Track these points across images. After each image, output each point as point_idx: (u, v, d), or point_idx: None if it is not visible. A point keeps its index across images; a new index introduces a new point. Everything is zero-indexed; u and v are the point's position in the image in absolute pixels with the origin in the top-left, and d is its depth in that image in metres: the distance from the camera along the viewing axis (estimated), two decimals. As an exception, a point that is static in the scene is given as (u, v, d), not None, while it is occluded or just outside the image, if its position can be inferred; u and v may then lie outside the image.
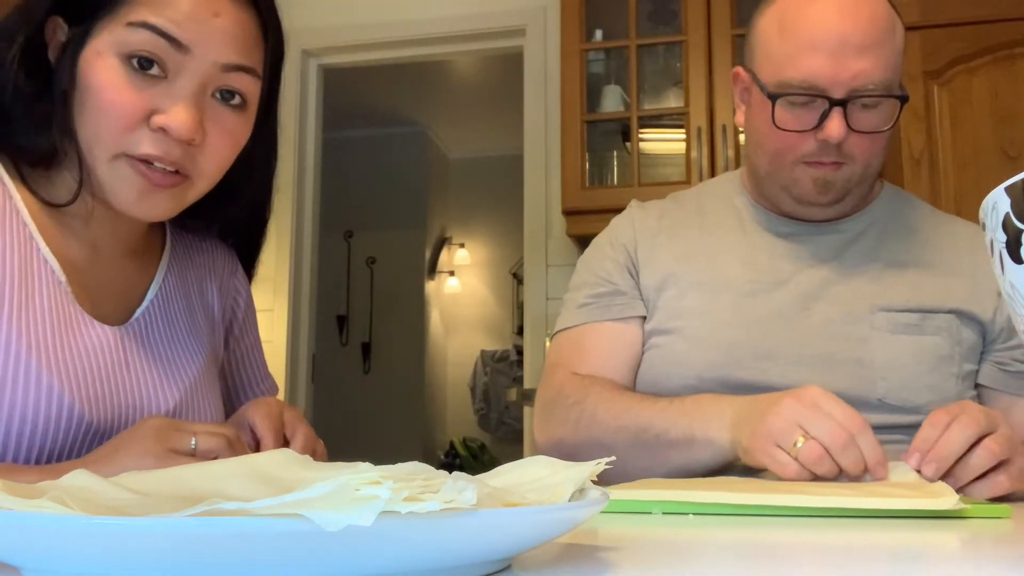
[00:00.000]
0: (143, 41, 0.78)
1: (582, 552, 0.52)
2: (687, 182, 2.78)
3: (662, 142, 3.03)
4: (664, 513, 0.70)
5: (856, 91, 1.00)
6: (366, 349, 5.60)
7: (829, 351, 1.06)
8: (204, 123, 0.81)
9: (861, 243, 1.12)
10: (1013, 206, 0.45)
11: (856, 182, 1.08)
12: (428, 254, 5.75)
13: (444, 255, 5.96)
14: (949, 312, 1.06)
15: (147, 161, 0.80)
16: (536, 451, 1.07)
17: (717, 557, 0.52)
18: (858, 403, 1.02)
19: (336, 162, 4.76)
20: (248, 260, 1.07)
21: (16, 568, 0.40)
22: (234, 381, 1.06)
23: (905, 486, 0.76)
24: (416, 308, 5.59)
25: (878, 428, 1.01)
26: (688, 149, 2.84)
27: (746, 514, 0.69)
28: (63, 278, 0.84)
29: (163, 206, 0.84)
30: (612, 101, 3.00)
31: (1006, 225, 0.46)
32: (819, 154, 1.04)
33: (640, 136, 2.94)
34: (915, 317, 1.06)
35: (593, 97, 3.00)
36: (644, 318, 1.16)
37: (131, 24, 0.78)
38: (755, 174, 1.16)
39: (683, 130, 2.89)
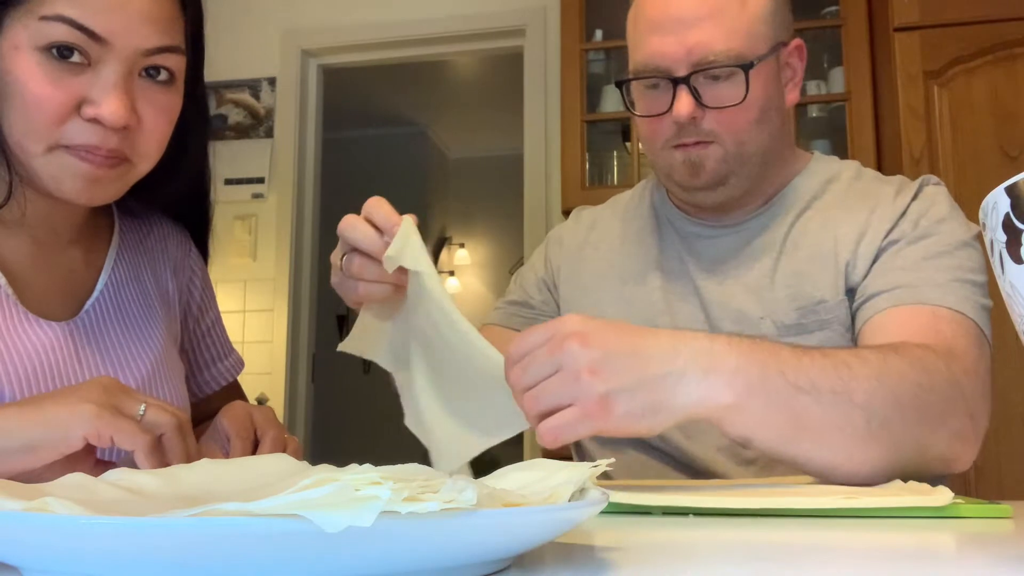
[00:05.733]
0: (60, 33, 0.77)
1: (582, 552, 0.52)
2: (687, 182, 2.78)
3: (662, 142, 3.03)
4: (664, 513, 0.70)
5: (697, 65, 0.98)
6: (366, 349, 5.60)
7: None
8: (136, 105, 0.80)
9: (763, 242, 1.07)
10: (1013, 206, 0.45)
11: (735, 162, 1.02)
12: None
13: (444, 255, 5.96)
14: (838, 297, 1.00)
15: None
16: None
17: (717, 557, 0.52)
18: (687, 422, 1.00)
19: (336, 162, 4.76)
20: (198, 238, 1.06)
21: (16, 568, 0.40)
22: (197, 360, 1.05)
23: (897, 489, 0.76)
24: (416, 308, 5.59)
25: None
26: (688, 149, 2.83)
27: (746, 514, 0.69)
28: (2, 280, 0.83)
29: (109, 189, 0.83)
30: (612, 101, 3.00)
31: (1006, 225, 0.46)
32: (680, 135, 1.01)
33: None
34: (796, 315, 1.00)
35: (593, 97, 3.00)
36: None
37: (45, 18, 0.77)
38: (655, 173, 1.14)
39: (683, 130, 2.89)
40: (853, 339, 0.99)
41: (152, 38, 0.80)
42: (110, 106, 0.78)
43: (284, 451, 0.84)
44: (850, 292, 1.00)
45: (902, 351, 0.83)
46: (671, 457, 1.04)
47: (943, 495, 0.68)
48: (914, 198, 1.02)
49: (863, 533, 0.60)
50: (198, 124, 0.93)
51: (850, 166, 1.12)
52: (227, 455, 0.82)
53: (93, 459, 0.71)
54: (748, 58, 0.98)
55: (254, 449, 0.83)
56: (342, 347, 0.86)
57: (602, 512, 0.56)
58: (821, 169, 1.11)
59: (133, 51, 0.79)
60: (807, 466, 0.81)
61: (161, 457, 0.69)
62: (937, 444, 0.83)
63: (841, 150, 2.76)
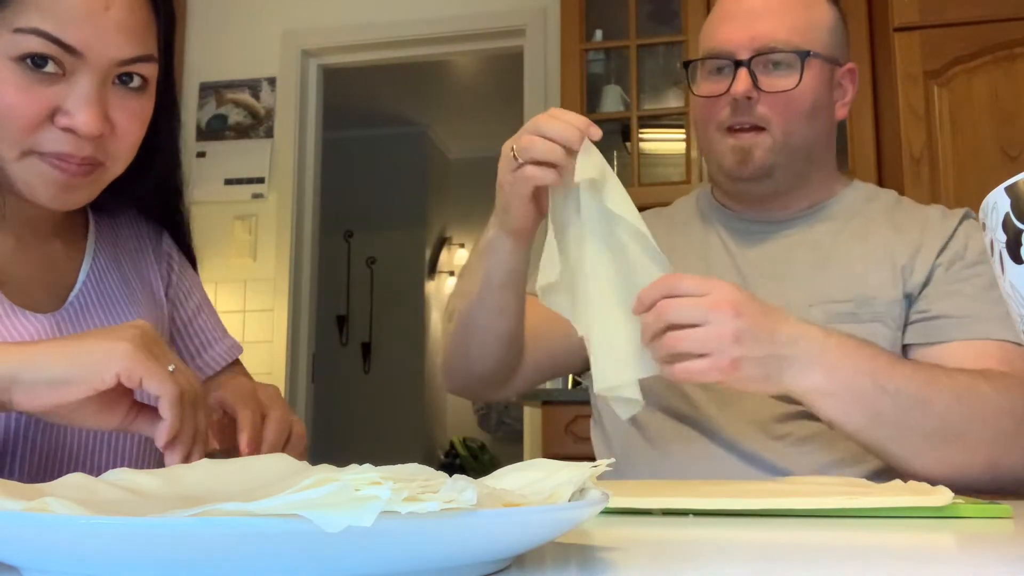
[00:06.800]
0: (34, 45, 0.77)
1: (582, 552, 0.52)
2: (687, 182, 2.78)
3: (662, 142, 3.03)
4: (664, 513, 0.70)
5: (759, 50, 1.08)
6: (366, 349, 5.60)
7: None
8: (109, 112, 0.81)
9: (811, 241, 1.13)
10: (1013, 206, 0.45)
11: (782, 153, 1.09)
12: (428, 254, 5.75)
13: (444, 255, 5.96)
14: (895, 296, 1.06)
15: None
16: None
17: (717, 557, 0.52)
18: (787, 395, 1.04)
19: (336, 162, 4.76)
20: (178, 238, 1.06)
21: (16, 568, 0.40)
22: (188, 347, 1.04)
23: (897, 489, 0.76)
24: (416, 308, 5.60)
25: (807, 415, 1.03)
26: (688, 149, 2.84)
27: (746, 514, 0.69)
28: None
29: (81, 195, 0.84)
30: (612, 101, 3.00)
31: (1006, 225, 0.46)
32: (733, 117, 1.09)
33: (640, 136, 2.94)
34: (851, 306, 1.06)
35: (593, 97, 3.00)
36: None
37: (19, 30, 0.76)
38: (704, 160, 1.21)
39: (683, 130, 2.89)
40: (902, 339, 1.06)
41: (126, 49, 0.80)
42: (84, 117, 0.78)
43: (289, 432, 0.84)
44: (907, 296, 1.06)
45: (990, 377, 0.93)
46: (701, 426, 1.07)
47: (943, 495, 0.68)
48: (960, 222, 1.10)
49: (863, 533, 0.60)
50: (168, 124, 0.94)
51: (890, 192, 1.21)
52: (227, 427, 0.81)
53: (130, 400, 0.72)
54: (805, 50, 1.08)
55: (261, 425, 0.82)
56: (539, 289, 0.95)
57: (602, 512, 0.56)
58: (863, 188, 1.20)
59: (108, 62, 0.80)
60: (882, 456, 0.93)
61: (183, 411, 0.69)
62: (1009, 463, 0.92)
63: (841, 150, 2.74)
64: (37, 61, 0.77)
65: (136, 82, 0.83)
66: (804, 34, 1.09)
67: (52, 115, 0.78)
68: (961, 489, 0.76)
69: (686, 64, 1.16)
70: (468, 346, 1.11)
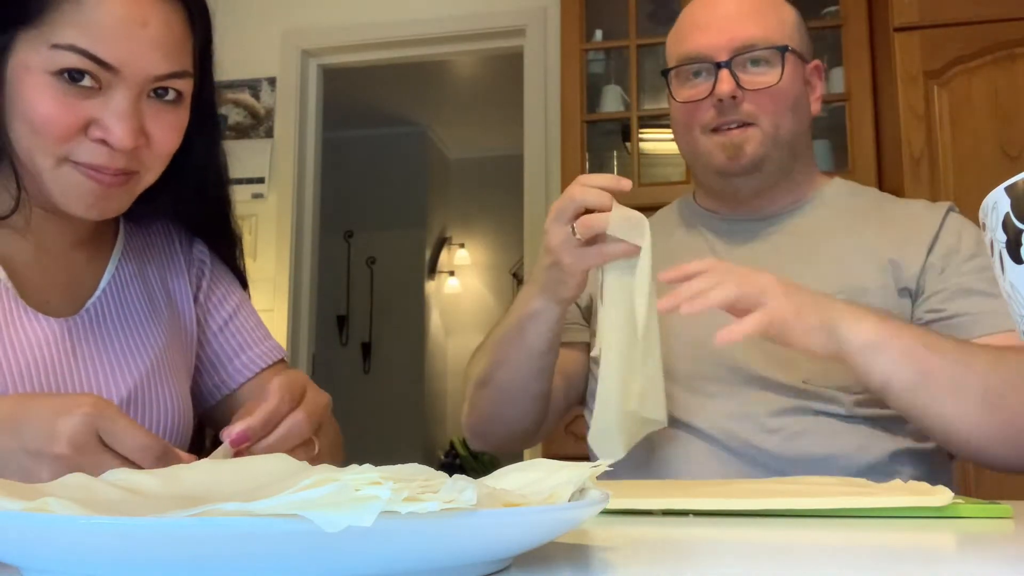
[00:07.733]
0: (71, 61, 0.78)
1: (582, 552, 0.52)
2: (687, 182, 2.78)
3: (662, 142, 3.03)
4: (664, 513, 0.70)
5: (738, 50, 1.10)
6: (366, 349, 5.60)
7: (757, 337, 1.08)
8: (144, 124, 0.82)
9: (797, 234, 1.15)
10: (1013, 206, 0.45)
11: (772, 145, 1.11)
12: (428, 254, 5.74)
13: (444, 255, 5.95)
14: (889, 289, 1.07)
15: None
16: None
17: (717, 557, 0.52)
18: (784, 388, 1.06)
19: (336, 162, 4.76)
20: (226, 256, 1.05)
21: (16, 568, 0.40)
22: (223, 348, 1.02)
23: (897, 489, 0.77)
24: (416, 308, 5.59)
25: (802, 410, 1.05)
26: (688, 149, 2.83)
27: (746, 514, 0.69)
28: (3, 275, 0.85)
29: (115, 205, 0.85)
30: (612, 101, 2.99)
31: (1006, 225, 0.46)
32: (720, 117, 1.11)
33: (640, 136, 2.94)
34: (843, 297, 1.05)
35: (593, 97, 3.00)
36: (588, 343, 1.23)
37: (57, 46, 0.78)
38: (689, 165, 1.23)
39: (683, 130, 2.88)
40: None
41: (162, 65, 0.82)
42: (118, 132, 0.80)
43: (309, 432, 0.81)
44: (903, 291, 1.07)
45: (1019, 350, 0.94)
46: (691, 426, 1.07)
47: (943, 495, 0.68)
48: (946, 215, 1.11)
49: (863, 533, 0.60)
50: (203, 135, 0.94)
51: (873, 189, 1.23)
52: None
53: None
54: (784, 45, 1.11)
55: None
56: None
57: (602, 512, 0.56)
58: (845, 184, 1.22)
59: (143, 77, 0.81)
60: (930, 420, 0.93)
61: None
62: None
63: (841, 150, 2.76)
64: (74, 75, 0.79)
65: (171, 95, 0.85)
66: (779, 33, 1.12)
67: (87, 127, 0.80)
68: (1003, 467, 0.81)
69: (664, 72, 1.17)
70: (505, 410, 1.13)
